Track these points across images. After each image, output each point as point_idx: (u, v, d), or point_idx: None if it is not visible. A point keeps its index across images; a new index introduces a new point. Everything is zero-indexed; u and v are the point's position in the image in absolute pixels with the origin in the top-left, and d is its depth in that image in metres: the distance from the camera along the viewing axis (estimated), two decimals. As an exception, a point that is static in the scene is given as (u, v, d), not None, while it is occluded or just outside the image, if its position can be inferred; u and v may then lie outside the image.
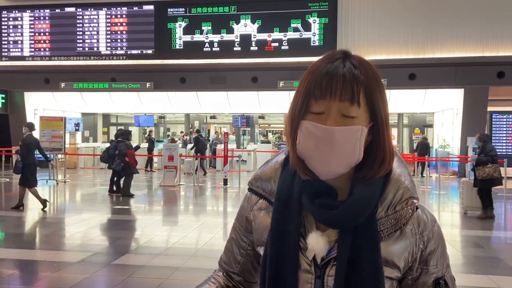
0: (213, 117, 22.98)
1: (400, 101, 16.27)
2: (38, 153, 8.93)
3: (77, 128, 19.01)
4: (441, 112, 17.85)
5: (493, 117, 15.58)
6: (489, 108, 15.38)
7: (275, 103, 17.36)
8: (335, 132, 0.88)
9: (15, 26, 17.76)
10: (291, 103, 0.96)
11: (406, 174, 0.97)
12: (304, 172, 0.95)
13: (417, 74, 15.21)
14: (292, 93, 0.97)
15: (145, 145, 17.32)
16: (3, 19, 17.78)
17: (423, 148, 15.76)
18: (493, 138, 15.60)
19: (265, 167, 1.07)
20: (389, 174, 0.96)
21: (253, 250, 1.08)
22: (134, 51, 17.00)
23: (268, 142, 19.57)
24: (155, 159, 17.30)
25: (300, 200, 0.96)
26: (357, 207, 0.90)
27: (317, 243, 0.94)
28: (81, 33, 17.34)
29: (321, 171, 0.91)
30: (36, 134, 16.10)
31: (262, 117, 21.78)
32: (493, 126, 15.57)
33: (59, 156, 14.13)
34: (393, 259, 0.93)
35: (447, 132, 16.84)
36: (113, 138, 11.29)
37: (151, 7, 16.81)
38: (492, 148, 8.20)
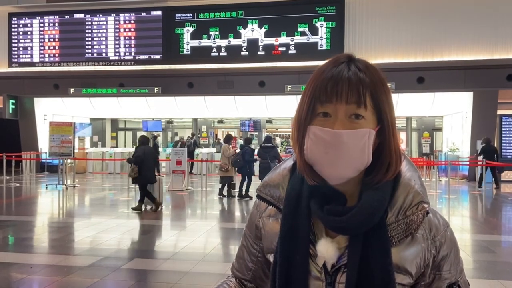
0: (220, 121, 23.02)
1: (408, 105, 16.17)
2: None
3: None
4: (450, 116, 17.71)
5: (503, 120, 15.45)
6: (499, 111, 15.24)
7: (283, 107, 17.35)
8: (343, 135, 0.87)
9: (25, 33, 17.95)
10: (297, 108, 0.96)
11: (416, 178, 0.95)
12: (311, 177, 0.94)
13: (426, 78, 15.11)
14: (300, 97, 0.97)
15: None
16: (13, 25, 17.98)
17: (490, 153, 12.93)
18: (502, 141, 15.45)
19: (273, 173, 1.06)
20: (399, 178, 0.94)
21: (264, 257, 1.07)
22: (142, 57, 17.10)
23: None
24: (163, 163, 17.35)
25: (309, 206, 0.95)
26: (365, 213, 0.89)
27: (326, 250, 0.93)
28: (89, 39, 17.48)
29: (331, 175, 0.91)
30: (45, 139, 16.14)
31: (269, 121, 21.78)
32: (502, 129, 15.43)
33: (68, 161, 14.23)
34: (405, 265, 0.92)
35: (457, 136, 16.71)
36: (243, 143, 11.29)
37: (159, 12, 16.91)
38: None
